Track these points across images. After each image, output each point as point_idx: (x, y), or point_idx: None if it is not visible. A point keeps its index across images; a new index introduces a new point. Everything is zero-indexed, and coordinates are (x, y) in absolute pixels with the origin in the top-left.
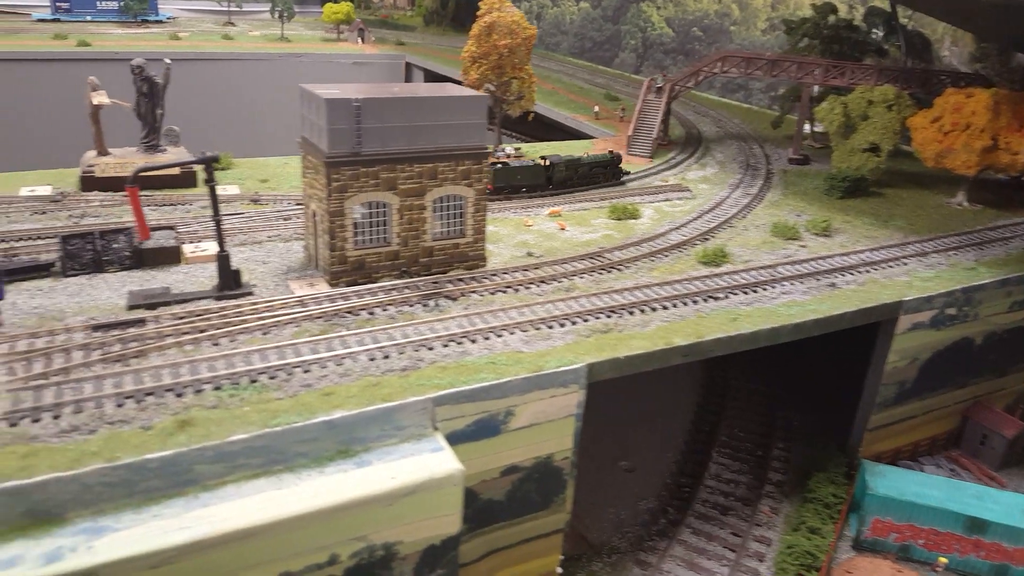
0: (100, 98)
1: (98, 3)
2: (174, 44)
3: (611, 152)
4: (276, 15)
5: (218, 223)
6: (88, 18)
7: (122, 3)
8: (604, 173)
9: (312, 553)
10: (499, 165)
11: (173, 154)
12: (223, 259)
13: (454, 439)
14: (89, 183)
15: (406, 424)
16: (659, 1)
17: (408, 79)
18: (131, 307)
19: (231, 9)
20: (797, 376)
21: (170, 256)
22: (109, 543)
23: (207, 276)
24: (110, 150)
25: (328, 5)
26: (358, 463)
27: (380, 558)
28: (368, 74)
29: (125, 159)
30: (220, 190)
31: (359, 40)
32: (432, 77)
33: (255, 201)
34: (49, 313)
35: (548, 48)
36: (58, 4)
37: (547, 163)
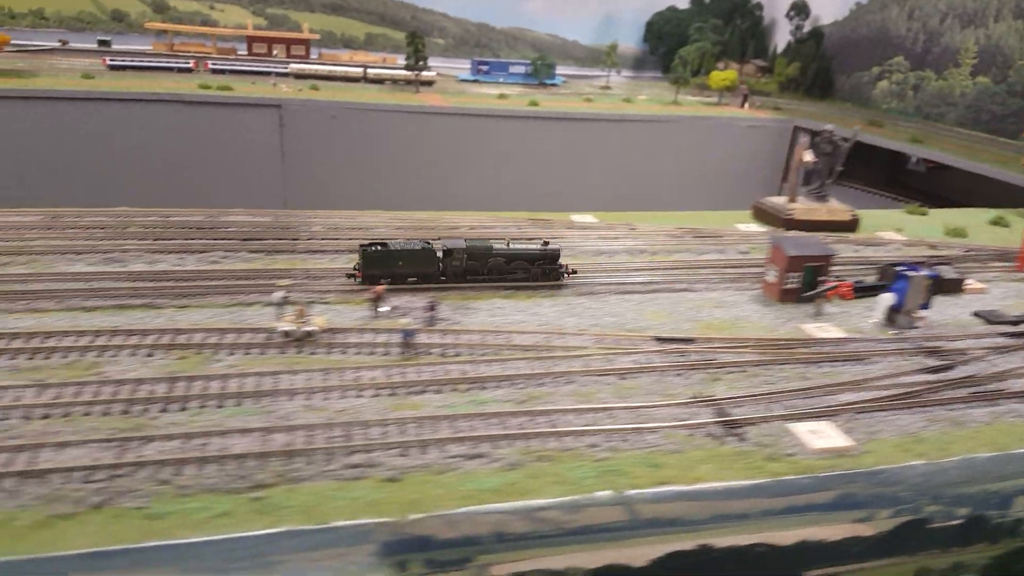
0: (808, 156)
1: (509, 68)
2: (587, 106)
3: (545, 242)
4: (673, 82)
5: None
6: (500, 80)
7: (531, 68)
8: (531, 269)
9: None
10: (375, 247)
11: (835, 203)
12: None
13: None
14: (790, 224)
15: None
16: None
17: (793, 142)
18: (994, 323)
19: (608, 74)
20: None
21: (955, 286)
22: None
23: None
24: (796, 197)
25: (715, 73)
26: None
27: None
28: (762, 136)
29: (809, 205)
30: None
31: (744, 105)
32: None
33: None
34: (946, 322)
35: (927, 118)
36: (479, 68)
37: (438, 248)
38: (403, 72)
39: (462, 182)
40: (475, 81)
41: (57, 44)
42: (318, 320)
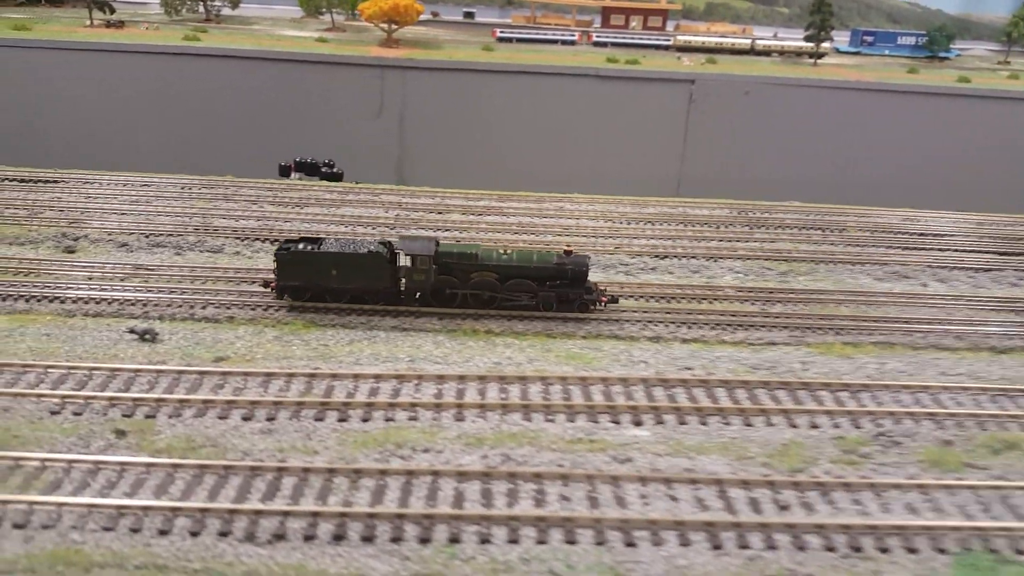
0: None
1: (898, 39)
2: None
3: (566, 251)
4: None
5: None
6: (886, 52)
7: (924, 40)
8: (538, 292)
9: None
10: (299, 246)
11: None
12: None
13: None
14: None
15: None
16: None
17: None
18: None
19: (1008, 48)
20: None
21: None
22: None
23: None
24: None
25: None
26: None
27: None
28: None
29: None
30: None
31: None
32: None
33: None
34: None
35: None
36: (863, 38)
37: (392, 253)
38: (794, 44)
39: (881, 167)
40: (856, 53)
41: (430, 16)
42: None
